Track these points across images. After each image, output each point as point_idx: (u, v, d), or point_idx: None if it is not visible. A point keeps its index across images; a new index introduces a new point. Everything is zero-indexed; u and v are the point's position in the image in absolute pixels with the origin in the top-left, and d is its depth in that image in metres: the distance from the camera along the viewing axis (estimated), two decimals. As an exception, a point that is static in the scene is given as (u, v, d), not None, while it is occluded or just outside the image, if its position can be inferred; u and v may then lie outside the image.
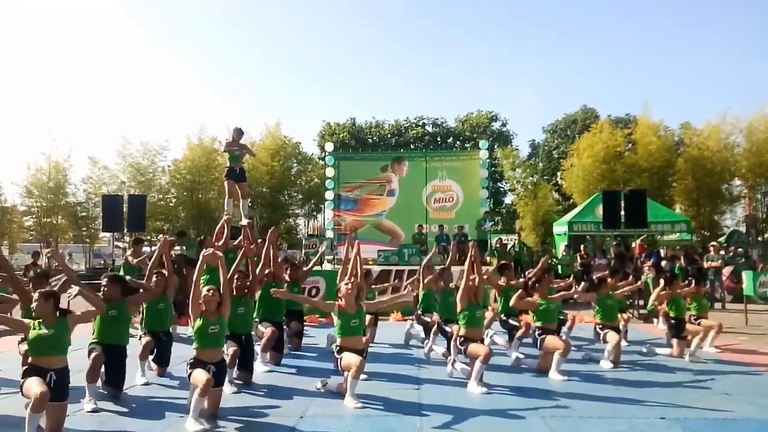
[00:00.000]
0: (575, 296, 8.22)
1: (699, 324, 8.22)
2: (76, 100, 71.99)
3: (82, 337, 6.73)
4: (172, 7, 71.95)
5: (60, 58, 70.97)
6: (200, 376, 4.84)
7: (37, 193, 23.50)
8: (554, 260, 14.57)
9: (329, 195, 19.78)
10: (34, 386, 4.33)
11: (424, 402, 5.58)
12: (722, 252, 15.62)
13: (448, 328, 7.29)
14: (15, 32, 66.04)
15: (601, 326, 7.66)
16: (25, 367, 4.66)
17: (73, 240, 26.65)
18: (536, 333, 7.01)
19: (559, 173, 30.24)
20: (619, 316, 8.11)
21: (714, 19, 62.11)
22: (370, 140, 38.81)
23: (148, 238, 27.22)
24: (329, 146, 22.04)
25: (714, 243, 16.54)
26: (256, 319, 7.34)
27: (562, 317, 8.23)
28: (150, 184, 24.26)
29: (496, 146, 32.52)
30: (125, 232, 16.09)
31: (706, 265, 15.00)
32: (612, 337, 7.34)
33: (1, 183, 24.32)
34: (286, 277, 8.02)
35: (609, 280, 8.22)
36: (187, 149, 24.89)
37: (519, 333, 7.71)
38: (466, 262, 6.67)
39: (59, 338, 4.65)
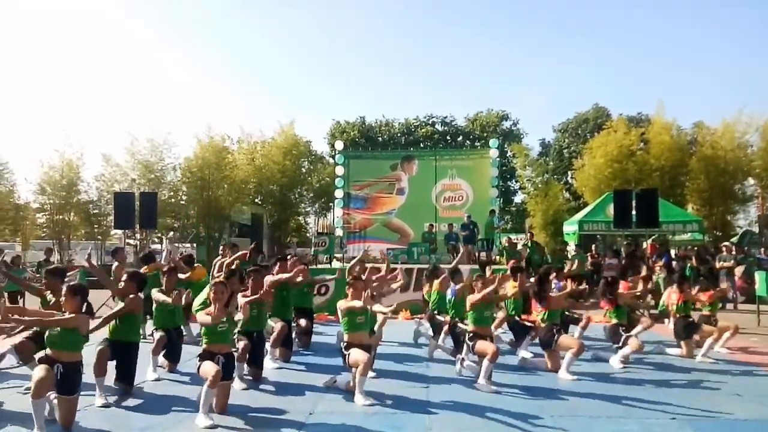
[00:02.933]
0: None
1: (715, 324, 8.15)
2: (90, 98, 72.59)
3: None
4: (186, 9, 72.31)
5: (73, 56, 71.59)
6: (209, 367, 4.90)
7: (50, 190, 23.68)
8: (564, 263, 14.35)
9: (339, 193, 19.81)
10: (37, 371, 4.43)
11: (432, 400, 5.58)
12: (734, 252, 15.44)
13: (462, 325, 7.26)
14: (29, 33, 66.66)
15: (624, 329, 7.64)
16: (39, 356, 4.76)
17: (85, 237, 26.86)
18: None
19: (570, 172, 30.05)
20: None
21: (728, 17, 61.46)
22: (379, 139, 38.83)
23: (159, 235, 27.48)
24: (339, 145, 22.07)
25: (726, 243, 16.36)
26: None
27: (567, 313, 8.25)
28: (160, 181, 24.41)
29: (507, 144, 32.42)
30: (137, 229, 16.24)
31: (718, 265, 14.85)
32: (633, 343, 7.31)
33: (14, 180, 24.48)
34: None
35: (621, 285, 8.10)
36: (197, 147, 25.01)
37: (532, 333, 7.70)
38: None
39: (74, 336, 4.70)
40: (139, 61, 74.52)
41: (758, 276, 11.79)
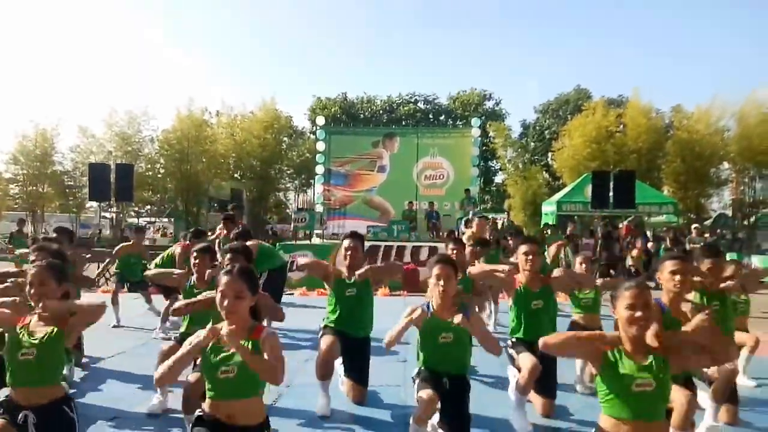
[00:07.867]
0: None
1: None
2: (69, 71, 70.69)
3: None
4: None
5: (52, 28, 69.43)
6: None
7: (23, 160, 23.20)
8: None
9: (319, 169, 19.68)
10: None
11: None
12: (706, 234, 15.77)
13: None
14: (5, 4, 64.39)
15: None
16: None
17: (59, 209, 26.42)
18: None
19: (550, 153, 30.30)
20: None
21: (710, 6, 61.88)
22: (361, 116, 38.59)
23: (136, 209, 27.14)
24: (320, 120, 21.85)
25: (696, 225, 16.68)
26: None
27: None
28: (137, 153, 24.04)
29: (488, 123, 32.55)
30: (112, 201, 16.02)
31: (688, 247, 15.13)
32: None
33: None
34: None
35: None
36: (176, 119, 24.62)
37: None
38: None
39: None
40: (121, 34, 72.66)
41: (728, 257, 12.04)
